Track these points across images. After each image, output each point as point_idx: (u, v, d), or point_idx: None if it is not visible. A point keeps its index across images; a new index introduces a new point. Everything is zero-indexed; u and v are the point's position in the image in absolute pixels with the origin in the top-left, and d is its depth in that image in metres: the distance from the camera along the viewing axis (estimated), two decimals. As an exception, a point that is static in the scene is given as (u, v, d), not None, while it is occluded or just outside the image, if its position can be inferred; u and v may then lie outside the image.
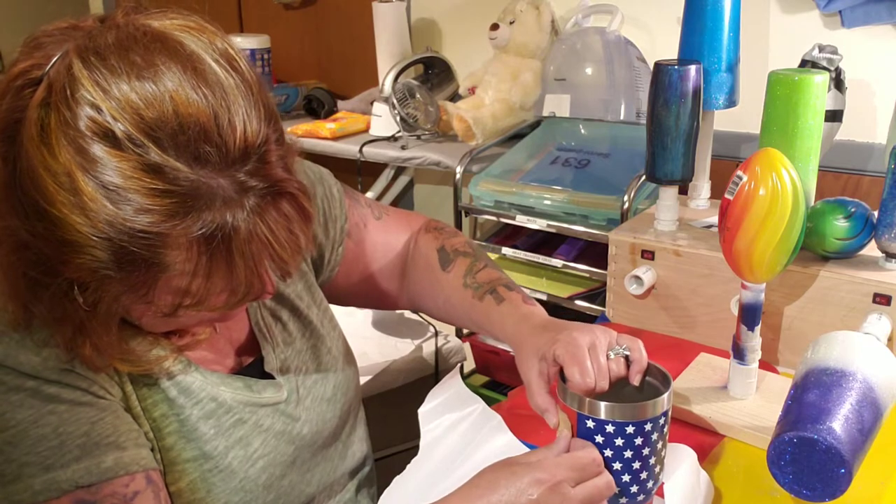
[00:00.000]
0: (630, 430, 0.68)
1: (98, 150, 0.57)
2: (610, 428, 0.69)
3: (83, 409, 0.67)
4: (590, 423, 0.69)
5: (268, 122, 0.63)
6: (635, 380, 0.74)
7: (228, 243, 0.60)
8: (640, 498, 0.71)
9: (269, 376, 0.82)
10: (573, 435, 0.71)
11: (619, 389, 0.74)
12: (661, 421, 0.70)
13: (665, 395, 0.70)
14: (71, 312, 0.65)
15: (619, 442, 0.69)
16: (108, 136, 0.57)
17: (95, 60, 0.58)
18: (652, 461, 0.71)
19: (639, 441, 0.69)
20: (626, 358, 0.75)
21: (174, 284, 0.62)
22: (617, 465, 0.70)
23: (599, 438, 0.69)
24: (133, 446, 0.69)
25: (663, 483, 0.74)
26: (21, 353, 0.66)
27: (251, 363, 0.83)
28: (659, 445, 0.71)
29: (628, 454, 0.69)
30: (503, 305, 0.88)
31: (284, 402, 0.81)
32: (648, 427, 0.69)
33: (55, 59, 0.59)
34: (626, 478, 0.70)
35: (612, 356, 0.74)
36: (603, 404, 0.69)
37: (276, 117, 0.65)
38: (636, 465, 0.70)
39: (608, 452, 0.70)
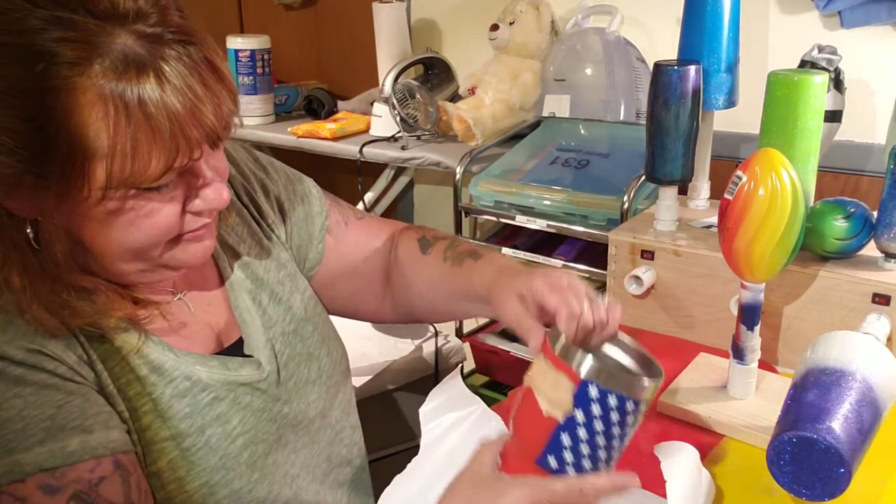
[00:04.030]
0: (629, 406, 0.64)
1: None
2: (612, 400, 0.64)
3: (49, 391, 0.67)
4: (593, 391, 0.64)
5: None
6: (595, 341, 0.71)
7: (141, 98, 0.61)
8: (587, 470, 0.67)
9: (250, 357, 0.82)
10: (572, 397, 0.65)
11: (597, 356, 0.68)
12: (645, 407, 0.66)
13: (660, 381, 0.66)
14: (15, 249, 0.66)
15: (614, 417, 0.64)
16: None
17: None
18: (624, 445, 0.67)
19: (630, 420, 0.65)
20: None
21: (101, 164, 0.62)
22: (600, 440, 0.65)
23: (596, 409, 0.64)
24: (101, 429, 0.68)
25: (665, 481, 0.73)
26: None
27: (231, 345, 0.83)
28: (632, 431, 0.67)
29: (615, 431, 0.65)
30: (481, 261, 0.88)
31: (265, 382, 0.81)
32: (643, 409, 0.66)
33: None
34: (601, 454, 0.66)
35: (589, 302, 0.71)
36: (621, 375, 0.65)
37: None
38: (615, 443, 0.66)
39: (598, 425, 0.64)
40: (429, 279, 0.94)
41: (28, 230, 0.67)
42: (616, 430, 0.65)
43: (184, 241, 0.73)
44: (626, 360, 0.72)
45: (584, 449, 0.66)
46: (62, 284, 0.69)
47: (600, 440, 0.65)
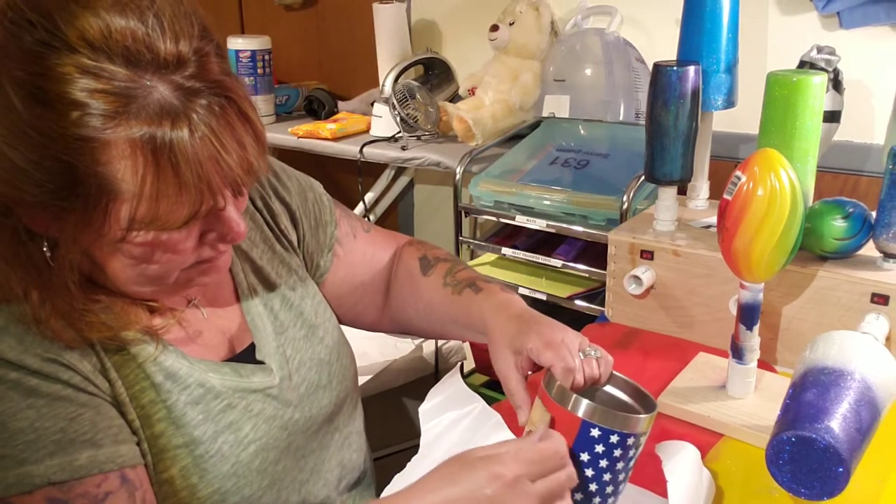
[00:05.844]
0: (630, 441, 0.68)
1: (28, 44, 0.59)
2: (614, 438, 0.67)
3: (61, 404, 0.67)
4: (595, 432, 0.67)
5: (201, 37, 0.64)
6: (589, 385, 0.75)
7: (171, 147, 0.61)
8: None
9: (262, 363, 0.83)
10: (572, 440, 0.69)
11: (591, 397, 0.72)
12: (645, 438, 0.70)
13: (655, 413, 0.70)
14: (33, 267, 0.67)
15: (617, 453, 0.68)
16: (41, 43, 0.59)
17: None
18: (629, 475, 0.71)
19: (632, 453, 0.69)
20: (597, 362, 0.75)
21: (126, 206, 0.63)
22: (607, 476, 0.69)
23: (600, 448, 0.68)
24: (111, 443, 0.69)
25: (667, 480, 0.74)
26: (3, 341, 0.66)
27: (243, 351, 0.83)
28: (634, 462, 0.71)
29: (620, 466, 0.69)
30: (481, 294, 0.89)
31: (276, 388, 0.82)
32: (643, 440, 0.69)
33: None
34: (609, 489, 0.70)
35: (583, 357, 0.74)
36: (617, 413, 0.67)
37: (212, 34, 0.66)
38: (621, 476, 0.70)
39: (603, 463, 0.68)
40: (428, 301, 0.96)
41: (45, 247, 0.67)
42: (620, 465, 0.69)
43: (199, 266, 0.74)
44: (621, 397, 0.76)
45: (592, 486, 0.69)
46: (78, 299, 0.69)
47: (606, 476, 0.69)
